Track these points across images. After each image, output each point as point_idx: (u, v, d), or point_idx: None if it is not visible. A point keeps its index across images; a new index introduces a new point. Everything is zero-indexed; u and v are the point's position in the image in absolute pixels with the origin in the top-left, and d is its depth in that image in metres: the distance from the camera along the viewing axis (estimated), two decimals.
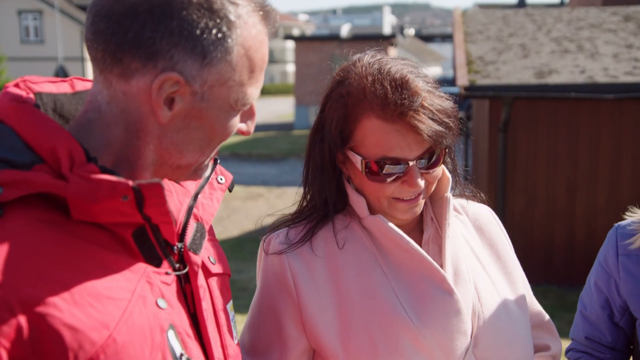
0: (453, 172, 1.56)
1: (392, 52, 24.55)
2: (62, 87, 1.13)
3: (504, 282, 1.56)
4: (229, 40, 1.01)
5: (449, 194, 1.50)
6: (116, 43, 0.98)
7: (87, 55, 1.04)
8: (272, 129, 29.46)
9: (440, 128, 1.37)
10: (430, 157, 1.41)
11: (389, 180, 1.39)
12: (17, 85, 1.05)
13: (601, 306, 1.86)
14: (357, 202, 1.47)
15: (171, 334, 1.04)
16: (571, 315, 7.41)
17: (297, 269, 1.44)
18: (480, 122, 10.45)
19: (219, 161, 1.28)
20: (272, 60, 67.53)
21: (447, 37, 44.40)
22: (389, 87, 1.36)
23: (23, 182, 0.93)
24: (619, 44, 9.51)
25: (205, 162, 1.13)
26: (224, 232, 11.31)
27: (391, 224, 1.44)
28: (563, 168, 8.45)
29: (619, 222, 1.85)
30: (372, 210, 1.48)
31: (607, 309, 1.85)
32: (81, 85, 1.15)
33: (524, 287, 1.61)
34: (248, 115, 1.14)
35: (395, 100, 1.35)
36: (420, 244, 1.49)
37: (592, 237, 8.35)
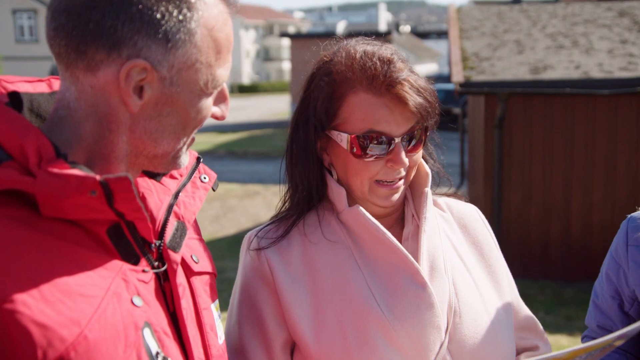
0: (434, 169, 1.58)
1: None
2: (39, 87, 1.12)
3: (486, 280, 1.55)
4: (192, 22, 1.01)
5: (428, 189, 1.52)
6: (78, 36, 0.97)
7: None
8: (268, 126, 29.44)
9: (424, 103, 1.40)
10: (413, 136, 1.43)
11: (373, 157, 1.41)
12: None
13: (611, 296, 1.88)
14: (337, 194, 1.48)
15: (147, 332, 1.03)
16: (567, 310, 7.45)
17: (274, 262, 1.45)
18: (475, 118, 10.46)
19: (201, 160, 1.27)
20: (268, 58, 67.45)
21: (443, 34, 44.42)
22: (377, 62, 1.40)
23: None
24: (613, 39, 9.53)
25: (183, 150, 1.12)
26: (220, 231, 11.31)
27: (368, 215, 1.45)
28: (559, 163, 8.47)
29: (632, 214, 1.88)
30: (351, 202, 1.50)
31: (617, 298, 1.87)
32: (59, 85, 1.13)
33: (508, 287, 1.60)
34: (221, 99, 1.13)
35: (384, 72, 1.38)
36: (400, 240, 1.50)
37: (588, 232, 8.38)
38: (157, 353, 1.04)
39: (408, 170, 1.46)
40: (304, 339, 1.41)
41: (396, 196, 1.46)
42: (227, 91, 1.15)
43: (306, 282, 1.45)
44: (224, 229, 11.50)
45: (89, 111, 1.02)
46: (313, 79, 1.48)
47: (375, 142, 1.40)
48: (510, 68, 8.81)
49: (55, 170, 0.94)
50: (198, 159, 1.25)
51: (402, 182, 1.46)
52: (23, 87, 1.09)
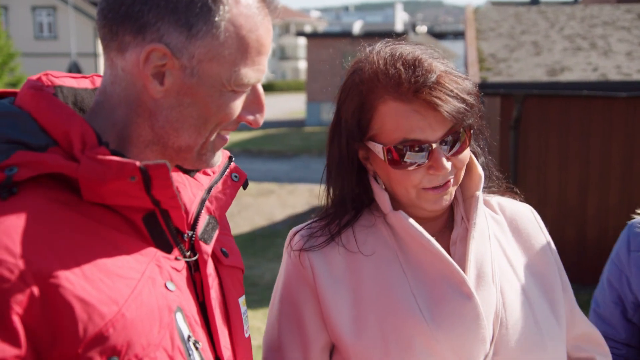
0: (485, 167, 1.50)
1: None
2: (82, 83, 1.17)
3: (537, 287, 1.47)
4: (215, 15, 1.04)
5: (479, 193, 1.44)
6: (112, 18, 1.04)
7: (100, 51, 1.09)
8: (283, 125, 29.48)
9: (459, 104, 1.32)
10: (455, 139, 1.36)
11: (412, 167, 1.35)
12: (39, 79, 1.10)
13: (614, 302, 1.88)
14: (381, 198, 1.43)
15: (179, 316, 1.07)
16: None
17: (317, 262, 1.43)
18: (491, 119, 10.41)
19: (234, 159, 1.31)
20: (284, 56, 67.52)
21: (459, 35, 44.20)
22: (401, 68, 1.33)
23: (37, 163, 0.98)
24: (632, 41, 9.45)
25: (208, 147, 1.14)
26: (235, 228, 11.36)
27: (412, 221, 1.40)
28: (574, 167, 8.42)
29: (631, 221, 1.87)
30: (399, 205, 1.44)
31: (620, 305, 1.86)
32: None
33: (561, 294, 1.51)
34: (257, 108, 1.15)
35: (409, 78, 1.32)
36: (447, 243, 1.45)
37: (604, 236, 8.32)
38: (189, 336, 1.08)
39: (456, 171, 1.39)
40: (343, 341, 1.39)
41: (447, 198, 1.40)
42: (263, 100, 1.16)
43: (348, 284, 1.42)
44: (238, 227, 11.55)
45: (122, 95, 1.07)
46: (342, 92, 1.43)
47: (411, 150, 1.34)
48: (527, 70, 8.77)
49: (98, 156, 0.99)
50: (230, 158, 1.30)
51: (450, 184, 1.39)
52: (68, 82, 1.14)
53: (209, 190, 1.23)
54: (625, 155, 8.23)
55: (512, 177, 8.42)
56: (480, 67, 8.91)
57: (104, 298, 0.96)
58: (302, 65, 60.00)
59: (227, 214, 1.36)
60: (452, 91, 1.32)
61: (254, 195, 14.41)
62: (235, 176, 1.30)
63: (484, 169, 1.49)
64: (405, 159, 1.34)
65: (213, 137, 1.13)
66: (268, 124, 29.48)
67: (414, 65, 1.33)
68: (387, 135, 1.35)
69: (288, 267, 1.48)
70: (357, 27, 64.39)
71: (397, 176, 1.37)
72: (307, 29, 65.85)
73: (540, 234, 1.57)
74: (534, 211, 1.61)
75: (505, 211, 1.56)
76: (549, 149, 8.49)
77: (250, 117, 1.15)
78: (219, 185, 1.26)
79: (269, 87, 56.70)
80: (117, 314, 0.97)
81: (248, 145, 22.55)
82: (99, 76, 1.19)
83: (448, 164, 1.34)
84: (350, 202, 1.46)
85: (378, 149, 1.37)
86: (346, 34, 31.94)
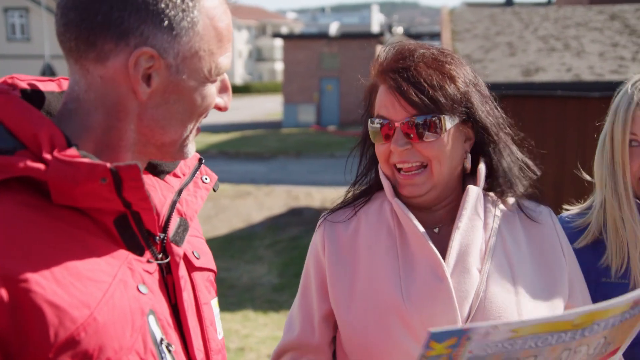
0: (495, 167, 1.58)
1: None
2: (49, 86, 1.16)
3: (538, 287, 1.52)
4: (194, 11, 1.06)
5: (472, 187, 1.53)
6: (87, 28, 1.02)
7: None
8: (260, 127, 29.43)
9: (422, 96, 1.46)
10: (423, 126, 1.47)
11: (380, 141, 1.52)
12: (4, 82, 1.09)
13: None
14: (384, 184, 1.58)
15: (152, 319, 1.06)
16: None
17: (329, 239, 1.60)
18: None
19: (204, 161, 1.32)
20: (261, 58, 67.41)
21: (435, 36, 44.49)
22: (392, 54, 1.53)
23: (5, 166, 0.96)
24: (604, 42, 9.59)
25: (190, 138, 1.16)
26: (212, 231, 11.29)
27: (403, 206, 1.53)
28: (550, 166, 8.50)
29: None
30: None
31: None
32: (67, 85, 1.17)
33: (563, 296, 1.54)
34: (223, 89, 1.18)
35: (387, 60, 1.52)
36: (449, 234, 1.53)
37: None
38: (162, 339, 1.07)
39: (429, 162, 1.50)
40: (338, 312, 1.54)
41: (418, 189, 1.52)
42: (228, 82, 1.19)
43: (349, 260, 1.57)
44: (215, 229, 11.48)
45: (98, 102, 1.06)
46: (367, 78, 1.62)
47: (379, 126, 1.52)
48: (502, 70, 8.85)
49: (67, 158, 0.98)
50: (200, 160, 1.31)
51: (421, 176, 1.51)
52: (34, 86, 1.13)
53: (180, 192, 1.23)
54: None
55: None
56: None
57: (75, 302, 0.95)
58: (279, 66, 59.96)
59: (205, 216, 1.35)
60: (420, 82, 1.46)
61: (231, 197, 14.35)
62: (206, 178, 1.31)
63: (504, 171, 1.58)
64: (374, 131, 1.53)
65: (195, 128, 1.16)
66: (245, 126, 29.43)
67: (402, 53, 1.51)
68: (375, 111, 1.55)
69: (312, 245, 1.65)
70: (333, 29, 64.59)
71: (377, 150, 1.56)
72: (284, 30, 65.87)
73: (555, 237, 1.61)
74: (553, 214, 1.67)
75: (522, 211, 1.62)
76: (524, 148, 8.57)
77: (221, 101, 1.18)
78: (190, 187, 1.26)
79: (245, 89, 56.57)
80: (88, 318, 0.96)
81: (225, 147, 22.47)
82: (66, 79, 1.18)
83: (404, 146, 1.48)
84: (375, 181, 1.64)
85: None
86: (323, 35, 31.94)
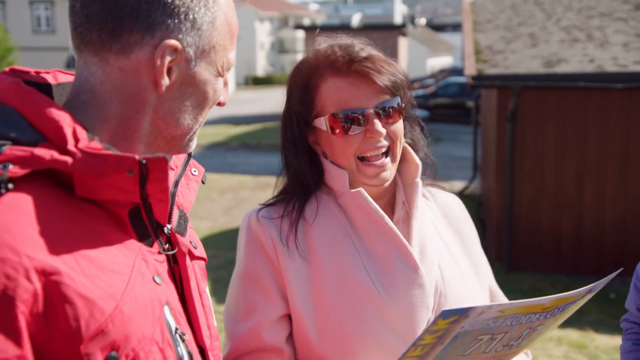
0: (423, 160, 1.66)
1: (403, 41, 24.45)
2: (46, 78, 1.16)
3: (467, 266, 1.66)
4: (214, 7, 1.10)
5: (418, 180, 1.61)
6: (114, 19, 1.03)
7: None
8: None
9: (389, 75, 1.52)
10: (389, 109, 1.53)
11: (351, 132, 1.51)
12: (6, 73, 1.09)
13: (637, 307, 1.95)
14: (338, 177, 1.57)
15: (166, 309, 1.08)
16: None
17: (277, 239, 1.54)
18: (488, 111, 10.43)
19: (192, 154, 1.33)
20: (283, 49, 67.38)
21: (458, 27, 44.12)
22: (337, 49, 1.55)
23: (31, 159, 0.97)
24: (629, 32, 9.46)
25: (197, 132, 1.19)
26: (232, 222, 11.36)
27: (369, 198, 1.54)
28: (571, 158, 8.44)
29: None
30: (352, 187, 1.59)
31: None
32: (63, 78, 1.18)
33: (486, 273, 1.72)
34: (224, 84, 1.20)
35: (342, 55, 1.53)
36: (397, 224, 1.60)
37: (600, 227, 8.35)
38: (176, 329, 1.10)
39: (391, 144, 1.55)
40: (303, 314, 1.51)
41: (385, 175, 1.54)
42: (227, 77, 1.22)
43: (305, 259, 1.54)
44: (236, 220, 11.54)
45: (114, 93, 1.07)
46: (291, 78, 1.61)
47: (350, 117, 1.51)
48: (523, 61, 8.78)
49: (94, 150, 0.99)
50: (189, 155, 1.31)
51: (388, 159, 1.54)
52: (32, 78, 1.13)
53: (176, 184, 1.25)
54: (621, 146, 8.25)
55: (509, 169, 8.44)
56: (477, 59, 8.92)
57: (102, 294, 0.96)
58: (301, 58, 59.78)
59: (225, 207, 1.38)
60: (382, 66, 1.52)
61: (251, 188, 14.42)
62: (194, 170, 1.32)
63: (422, 160, 1.65)
64: (343, 124, 1.51)
65: (202, 122, 1.18)
66: (266, 117, 29.47)
67: (347, 46, 1.55)
68: (329, 109, 1.53)
69: (250, 245, 1.57)
70: (355, 20, 64.26)
71: (339, 145, 1.53)
72: (306, 22, 65.68)
73: (465, 220, 1.76)
74: (459, 199, 1.80)
75: (436, 199, 1.74)
76: (545, 140, 8.50)
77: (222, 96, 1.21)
78: (183, 179, 1.28)
79: (267, 80, 56.61)
80: (115, 309, 0.97)
81: (246, 139, 22.54)
82: (60, 71, 1.19)
83: (383, 129, 1.51)
84: (312, 180, 1.60)
85: (321, 121, 1.54)
86: (345, 27, 31.80)
